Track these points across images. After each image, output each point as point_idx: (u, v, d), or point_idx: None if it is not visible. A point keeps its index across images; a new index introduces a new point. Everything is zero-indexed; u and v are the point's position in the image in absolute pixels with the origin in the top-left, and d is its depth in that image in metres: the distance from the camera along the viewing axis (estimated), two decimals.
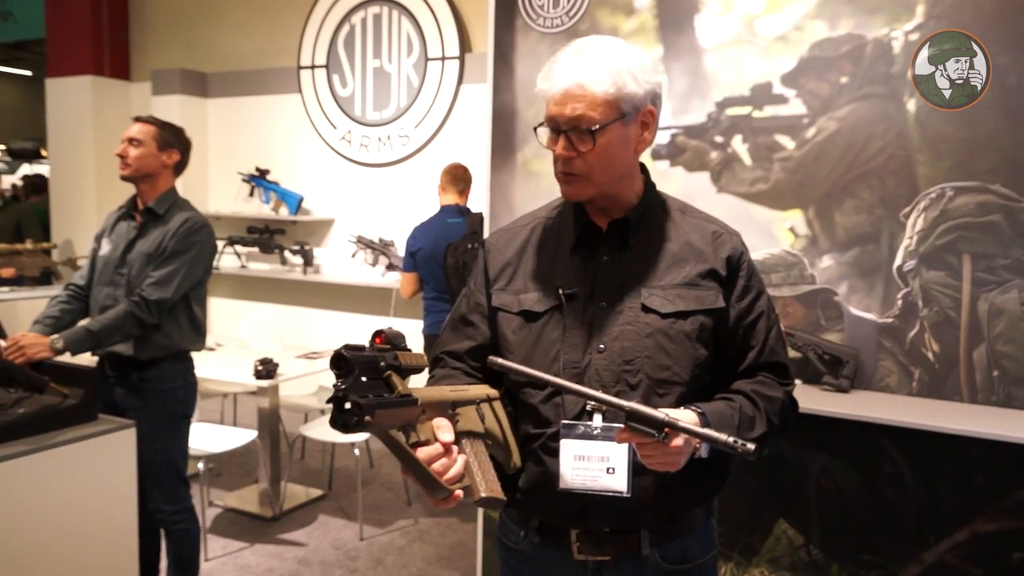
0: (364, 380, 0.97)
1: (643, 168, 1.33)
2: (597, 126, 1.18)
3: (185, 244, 2.50)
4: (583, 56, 1.20)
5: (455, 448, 1.09)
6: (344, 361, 0.96)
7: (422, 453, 1.04)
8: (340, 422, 0.95)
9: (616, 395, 1.19)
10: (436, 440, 1.07)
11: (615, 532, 1.27)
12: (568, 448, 1.20)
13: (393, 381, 1.01)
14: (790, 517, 2.33)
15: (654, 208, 1.32)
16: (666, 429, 1.06)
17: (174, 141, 2.59)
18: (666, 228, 1.31)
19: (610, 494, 1.19)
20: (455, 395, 1.17)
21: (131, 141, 2.52)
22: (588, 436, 1.20)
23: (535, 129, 1.26)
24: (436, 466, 1.05)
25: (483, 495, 1.11)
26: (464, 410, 1.17)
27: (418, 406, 1.04)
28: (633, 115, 1.22)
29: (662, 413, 1.07)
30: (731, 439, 1.03)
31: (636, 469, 1.18)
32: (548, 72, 1.22)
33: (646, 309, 1.25)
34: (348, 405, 0.94)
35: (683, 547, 1.32)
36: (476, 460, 1.14)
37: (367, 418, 0.93)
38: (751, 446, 1.02)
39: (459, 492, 1.05)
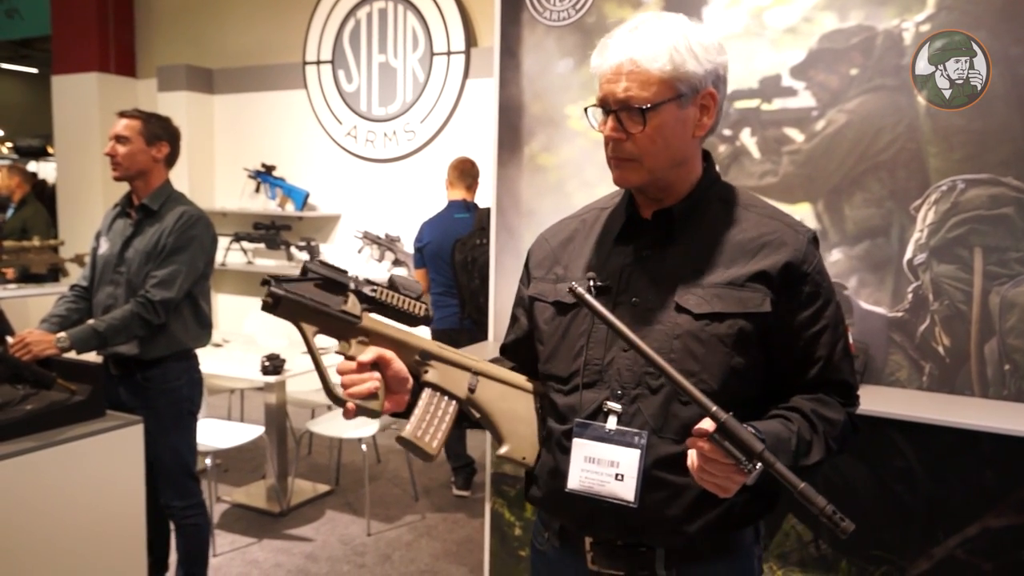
0: (315, 286, 1.09)
1: (707, 157, 1.24)
2: (648, 105, 1.10)
3: (184, 240, 2.47)
4: (640, 31, 1.12)
5: (375, 372, 1.12)
6: (304, 267, 1.10)
7: (341, 364, 1.12)
8: (263, 302, 1.06)
9: (634, 399, 1.15)
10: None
11: (628, 546, 1.19)
12: (579, 448, 1.16)
13: (350, 301, 1.10)
14: (799, 512, 2.31)
15: (708, 200, 1.21)
16: (756, 462, 0.96)
17: (161, 133, 2.53)
18: (721, 222, 1.20)
19: (616, 502, 1.13)
20: (439, 350, 1.18)
21: (117, 139, 2.48)
22: (600, 438, 1.15)
23: (585, 110, 1.18)
24: (344, 379, 1.11)
25: (402, 435, 1.13)
26: (441, 366, 1.18)
27: (357, 327, 1.11)
28: (691, 96, 1.13)
29: (759, 441, 0.98)
30: (829, 508, 0.94)
31: (649, 481, 1.13)
32: (602, 47, 1.15)
33: (680, 309, 1.15)
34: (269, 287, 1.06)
35: (712, 574, 1.21)
36: (429, 410, 1.16)
37: (270, 298, 1.04)
38: (849, 525, 0.94)
39: (352, 405, 1.09)
